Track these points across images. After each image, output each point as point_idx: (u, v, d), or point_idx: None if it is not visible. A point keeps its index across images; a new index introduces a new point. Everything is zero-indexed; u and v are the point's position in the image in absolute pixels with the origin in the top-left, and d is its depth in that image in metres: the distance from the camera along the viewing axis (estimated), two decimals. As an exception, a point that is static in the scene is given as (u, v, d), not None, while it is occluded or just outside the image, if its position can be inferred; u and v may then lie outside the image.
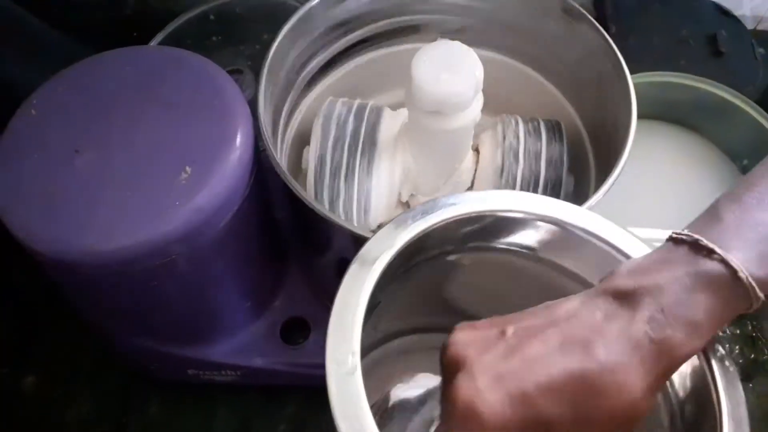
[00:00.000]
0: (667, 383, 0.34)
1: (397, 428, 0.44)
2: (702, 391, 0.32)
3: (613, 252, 0.37)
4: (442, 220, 0.34)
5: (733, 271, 0.28)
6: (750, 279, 0.27)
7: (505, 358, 0.27)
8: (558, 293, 0.31)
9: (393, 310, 0.42)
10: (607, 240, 0.37)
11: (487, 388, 0.27)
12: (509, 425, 0.26)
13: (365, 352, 0.43)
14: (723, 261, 0.28)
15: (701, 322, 0.28)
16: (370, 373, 0.45)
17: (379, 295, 0.36)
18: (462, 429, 0.27)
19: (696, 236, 0.29)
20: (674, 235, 0.30)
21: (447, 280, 0.43)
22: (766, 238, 0.29)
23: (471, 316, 0.32)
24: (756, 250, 0.28)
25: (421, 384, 0.45)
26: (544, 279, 0.40)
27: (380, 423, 0.43)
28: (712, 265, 0.28)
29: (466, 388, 0.27)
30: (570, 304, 0.29)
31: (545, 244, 0.38)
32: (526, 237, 0.38)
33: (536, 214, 0.36)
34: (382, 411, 0.45)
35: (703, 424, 0.32)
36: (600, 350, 0.27)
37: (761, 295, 0.28)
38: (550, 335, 0.28)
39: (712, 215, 0.30)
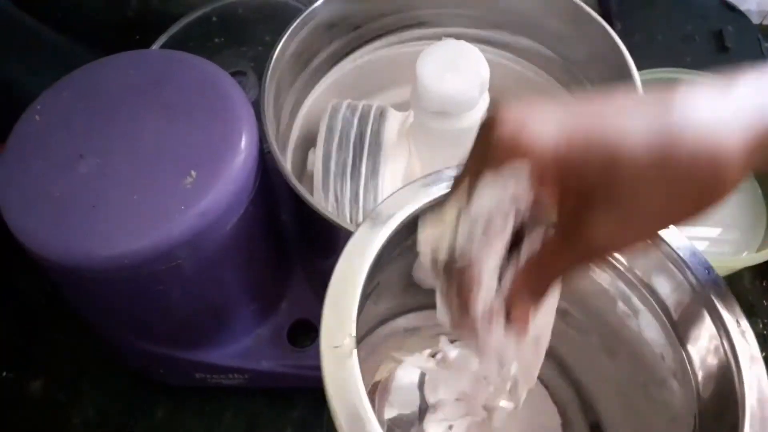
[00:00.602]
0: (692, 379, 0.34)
1: (397, 409, 0.43)
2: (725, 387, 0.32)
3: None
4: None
5: None
6: None
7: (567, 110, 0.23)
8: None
9: (394, 288, 0.42)
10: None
11: (540, 121, 0.22)
12: (563, 164, 0.22)
13: (368, 330, 0.43)
14: None
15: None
16: (373, 351, 0.45)
17: (378, 276, 0.35)
18: (499, 159, 0.23)
19: None
20: None
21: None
22: None
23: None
24: None
25: (423, 363, 0.44)
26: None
27: (380, 402, 0.43)
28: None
29: (512, 117, 0.22)
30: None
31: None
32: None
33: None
34: (383, 389, 0.45)
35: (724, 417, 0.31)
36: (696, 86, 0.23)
37: None
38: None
39: None
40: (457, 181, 0.26)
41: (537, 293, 0.26)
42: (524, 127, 0.23)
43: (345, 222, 0.40)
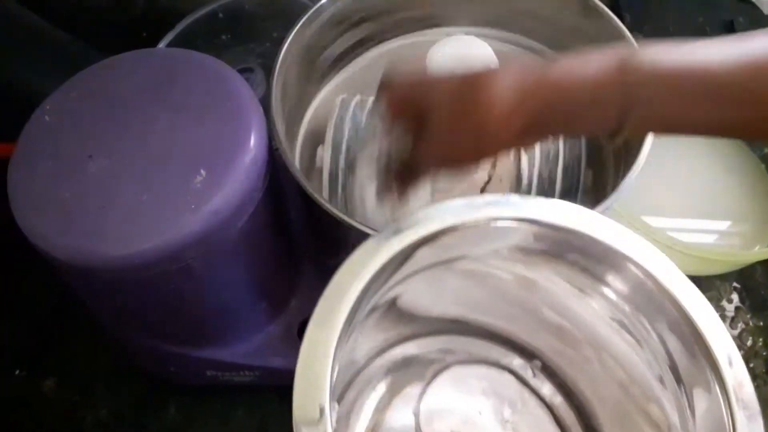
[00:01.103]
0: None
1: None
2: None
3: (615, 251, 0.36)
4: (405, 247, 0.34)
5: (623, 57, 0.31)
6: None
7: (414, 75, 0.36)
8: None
9: (423, 297, 0.42)
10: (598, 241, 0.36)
11: (401, 74, 0.36)
12: (406, 93, 0.35)
13: (348, 383, 0.44)
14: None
15: (578, 72, 0.32)
16: (357, 400, 0.46)
17: (388, 292, 0.36)
18: (381, 94, 0.36)
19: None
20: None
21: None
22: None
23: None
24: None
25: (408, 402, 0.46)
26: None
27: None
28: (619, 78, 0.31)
29: (386, 80, 0.36)
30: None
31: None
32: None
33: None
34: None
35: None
36: (494, 69, 0.34)
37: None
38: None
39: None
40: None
41: (408, 183, 0.37)
42: (390, 82, 0.36)
43: (353, 219, 0.40)
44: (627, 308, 0.38)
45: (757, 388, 0.59)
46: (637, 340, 0.38)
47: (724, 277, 0.65)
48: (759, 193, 0.67)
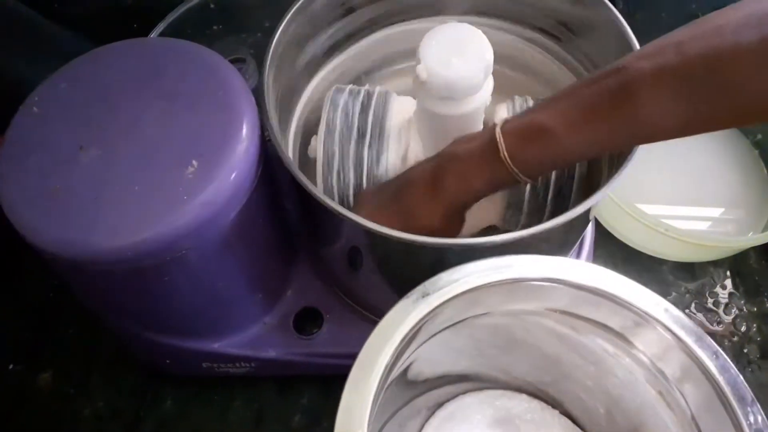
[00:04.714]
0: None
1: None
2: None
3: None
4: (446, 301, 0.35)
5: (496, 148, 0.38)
6: (506, 155, 0.38)
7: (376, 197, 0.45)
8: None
9: (433, 360, 0.43)
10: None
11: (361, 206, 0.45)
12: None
13: (396, 407, 0.44)
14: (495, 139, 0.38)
15: (470, 175, 0.40)
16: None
17: (407, 359, 0.37)
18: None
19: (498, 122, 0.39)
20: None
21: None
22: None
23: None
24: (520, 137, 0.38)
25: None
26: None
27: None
28: (492, 141, 0.38)
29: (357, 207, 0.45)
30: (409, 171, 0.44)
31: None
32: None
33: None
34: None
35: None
36: (409, 195, 0.42)
37: (515, 169, 0.38)
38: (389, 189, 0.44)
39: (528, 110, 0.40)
40: None
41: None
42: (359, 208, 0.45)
43: (347, 210, 0.39)
44: (651, 366, 0.38)
45: (752, 372, 0.60)
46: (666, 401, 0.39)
47: (718, 264, 0.65)
48: (752, 180, 0.68)
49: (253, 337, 0.53)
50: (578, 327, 0.40)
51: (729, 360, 0.34)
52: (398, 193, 0.43)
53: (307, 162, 0.53)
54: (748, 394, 0.33)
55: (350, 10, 0.53)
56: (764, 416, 0.33)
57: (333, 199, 0.47)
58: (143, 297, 0.44)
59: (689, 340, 0.35)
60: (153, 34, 0.62)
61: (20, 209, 0.38)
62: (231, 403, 0.57)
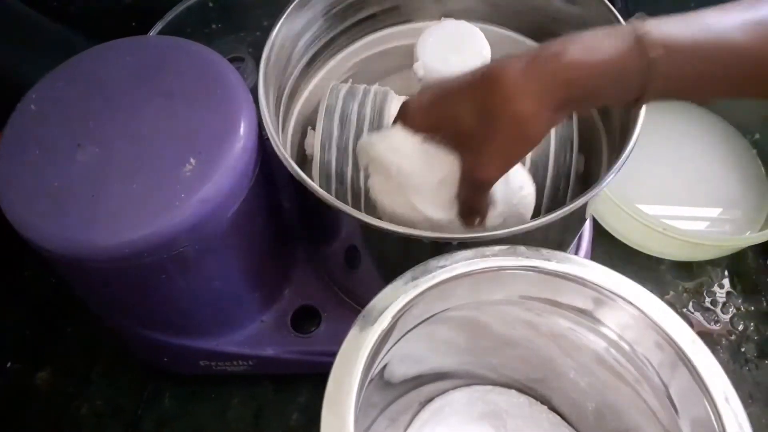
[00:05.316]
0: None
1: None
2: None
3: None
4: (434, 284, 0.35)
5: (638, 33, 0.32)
6: (646, 38, 0.32)
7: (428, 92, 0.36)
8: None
9: (407, 359, 0.43)
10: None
11: (415, 100, 0.37)
12: (426, 118, 0.36)
13: (380, 408, 0.44)
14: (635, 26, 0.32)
15: (598, 49, 0.32)
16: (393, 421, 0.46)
17: (386, 356, 0.37)
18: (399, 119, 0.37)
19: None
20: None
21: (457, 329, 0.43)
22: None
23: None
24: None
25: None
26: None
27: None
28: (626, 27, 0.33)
29: (404, 104, 0.37)
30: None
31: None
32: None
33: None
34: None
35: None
36: (504, 63, 0.33)
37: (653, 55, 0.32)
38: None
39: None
40: None
41: (472, 213, 0.38)
42: (409, 103, 0.37)
43: (345, 207, 0.39)
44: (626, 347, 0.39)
45: (749, 371, 0.60)
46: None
47: (716, 263, 0.65)
48: (750, 179, 0.68)
49: (251, 335, 0.53)
50: (552, 315, 0.40)
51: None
52: (479, 75, 0.34)
53: (304, 160, 0.53)
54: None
55: (348, 9, 0.53)
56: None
57: (330, 194, 0.47)
58: (141, 294, 0.44)
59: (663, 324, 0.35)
60: (152, 33, 0.62)
61: (18, 207, 0.38)
62: (229, 401, 0.57)
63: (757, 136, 0.69)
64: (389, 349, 0.37)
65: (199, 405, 0.57)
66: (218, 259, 0.44)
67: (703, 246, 0.60)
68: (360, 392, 0.32)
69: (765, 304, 0.63)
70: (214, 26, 0.66)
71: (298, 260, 0.56)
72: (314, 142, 0.47)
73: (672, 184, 0.67)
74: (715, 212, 0.66)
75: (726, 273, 0.65)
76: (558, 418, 0.48)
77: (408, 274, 0.35)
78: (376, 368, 0.36)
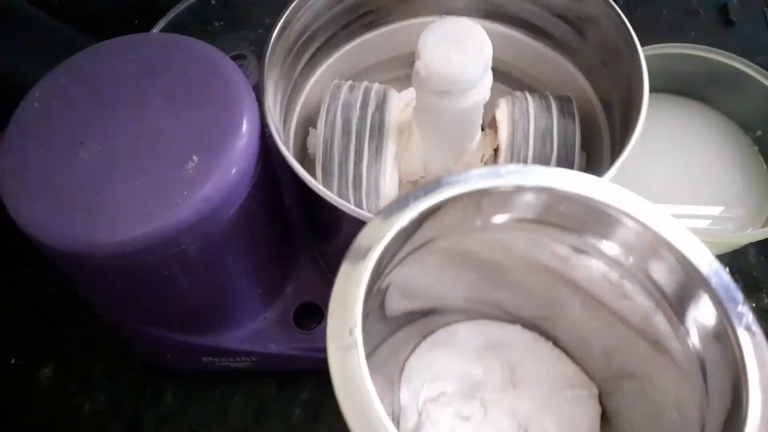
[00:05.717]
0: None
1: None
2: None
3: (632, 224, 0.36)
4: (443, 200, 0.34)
5: None
6: None
7: None
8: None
9: (405, 291, 0.42)
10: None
11: None
12: None
13: (380, 339, 0.44)
14: None
15: None
16: (388, 360, 0.45)
17: (385, 279, 0.36)
18: None
19: None
20: None
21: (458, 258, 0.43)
22: None
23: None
24: None
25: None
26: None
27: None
28: None
29: None
30: None
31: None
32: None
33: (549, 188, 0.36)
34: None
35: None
36: None
37: None
38: None
39: None
40: None
41: None
42: None
43: (347, 205, 0.40)
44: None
45: (750, 368, 0.60)
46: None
47: (718, 260, 0.65)
48: (752, 176, 0.68)
49: (254, 332, 0.53)
50: (555, 243, 0.39)
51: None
52: None
53: (307, 157, 0.53)
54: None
55: (350, 6, 0.53)
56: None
57: (333, 192, 0.47)
58: (143, 292, 0.45)
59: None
60: (154, 31, 0.62)
61: (20, 204, 0.38)
62: (232, 397, 0.57)
63: (759, 133, 0.69)
64: (388, 273, 0.37)
65: (201, 402, 0.57)
66: (221, 256, 0.44)
67: (705, 243, 0.60)
68: (367, 300, 0.32)
69: (766, 300, 0.63)
70: (216, 24, 0.66)
71: (300, 257, 0.56)
72: (316, 141, 0.47)
73: (673, 182, 0.67)
74: (717, 210, 0.66)
75: (728, 270, 0.65)
76: (563, 353, 0.47)
77: (410, 194, 0.34)
78: (376, 289, 0.36)
